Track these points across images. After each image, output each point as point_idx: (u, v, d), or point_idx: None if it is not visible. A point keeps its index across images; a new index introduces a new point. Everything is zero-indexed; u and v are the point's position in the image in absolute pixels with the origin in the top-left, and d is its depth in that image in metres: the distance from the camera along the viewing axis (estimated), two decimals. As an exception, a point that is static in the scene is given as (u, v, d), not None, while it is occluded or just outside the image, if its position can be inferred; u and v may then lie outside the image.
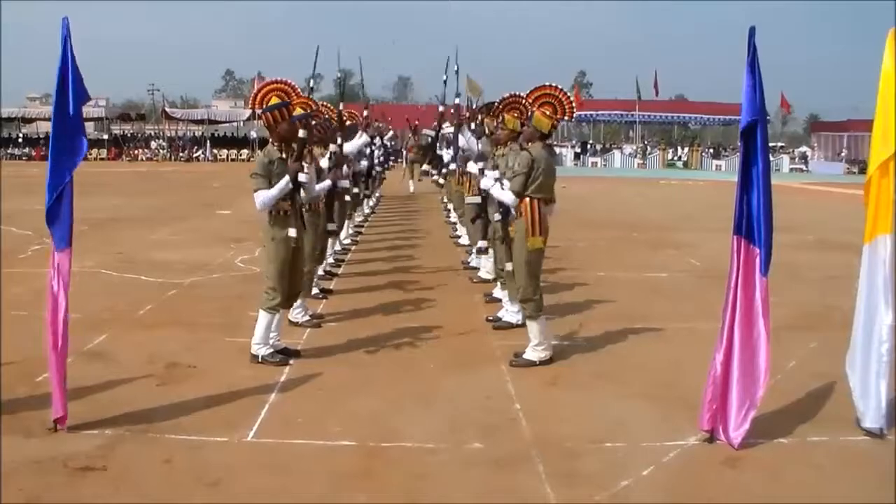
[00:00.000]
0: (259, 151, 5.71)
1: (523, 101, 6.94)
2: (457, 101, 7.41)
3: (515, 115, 6.92)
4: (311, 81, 6.51)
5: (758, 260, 4.21)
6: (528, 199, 5.73)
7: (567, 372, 5.66)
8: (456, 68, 7.50)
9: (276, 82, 5.91)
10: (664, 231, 14.21)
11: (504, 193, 5.82)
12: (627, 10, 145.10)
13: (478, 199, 6.89)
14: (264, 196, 5.52)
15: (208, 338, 6.37)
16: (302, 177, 5.62)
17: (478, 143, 7.71)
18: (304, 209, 6.70)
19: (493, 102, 7.03)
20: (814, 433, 4.54)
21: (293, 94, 5.87)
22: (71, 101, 4.14)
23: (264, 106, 5.75)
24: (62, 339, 4.22)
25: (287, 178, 5.54)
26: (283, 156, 5.62)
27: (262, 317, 5.66)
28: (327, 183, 6.86)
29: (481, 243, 6.93)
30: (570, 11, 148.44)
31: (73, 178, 4.22)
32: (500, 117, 6.97)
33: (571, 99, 6.06)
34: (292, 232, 5.58)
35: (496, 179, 6.03)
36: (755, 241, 4.22)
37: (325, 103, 10.02)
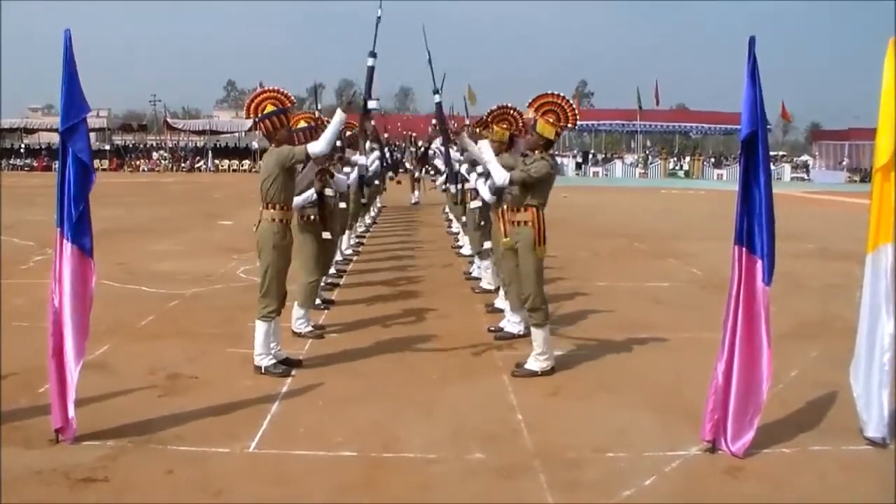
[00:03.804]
0: (270, 151, 5.71)
1: (512, 112, 6.98)
2: (436, 98, 7.06)
3: (504, 126, 6.95)
4: (315, 90, 6.53)
5: (759, 269, 4.21)
6: (534, 209, 5.72)
7: (569, 382, 5.65)
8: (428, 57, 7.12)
9: (270, 91, 5.92)
10: (665, 240, 14.21)
11: (497, 167, 5.79)
12: (628, 19, 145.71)
13: (479, 203, 6.88)
14: (319, 144, 5.53)
15: (210, 348, 6.37)
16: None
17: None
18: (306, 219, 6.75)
19: (482, 116, 7.05)
20: (816, 442, 4.53)
21: (286, 101, 5.89)
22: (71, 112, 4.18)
23: (260, 114, 5.77)
24: (63, 348, 4.22)
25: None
26: None
27: (260, 326, 5.67)
28: (310, 193, 6.70)
29: (487, 244, 6.88)
30: (571, 21, 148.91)
31: (69, 184, 4.24)
32: (490, 129, 6.99)
33: (574, 106, 6.07)
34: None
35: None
36: (756, 251, 4.22)
37: (326, 119, 10.04)
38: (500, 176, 5.72)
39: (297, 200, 6.44)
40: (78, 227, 4.25)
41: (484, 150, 5.96)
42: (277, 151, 5.64)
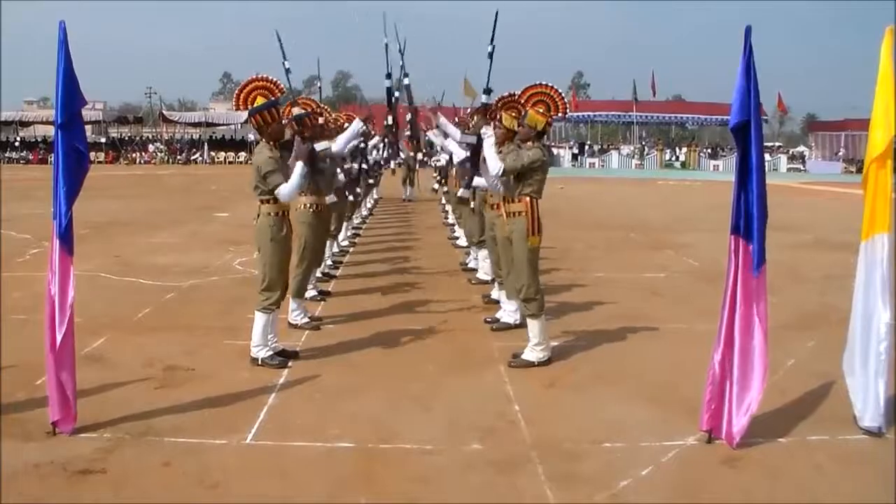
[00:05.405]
0: (259, 151, 5.61)
1: (520, 101, 6.93)
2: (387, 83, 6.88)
3: (513, 114, 6.91)
4: (286, 63, 6.30)
5: (749, 257, 4.20)
6: (528, 199, 5.73)
7: (566, 373, 5.66)
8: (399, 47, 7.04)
9: (259, 80, 5.83)
10: (662, 232, 14.22)
11: (494, 157, 5.72)
12: (625, 10, 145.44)
13: (467, 193, 6.80)
14: (288, 189, 5.49)
15: (207, 341, 6.36)
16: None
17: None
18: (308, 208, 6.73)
19: (488, 104, 6.98)
20: (813, 432, 4.54)
21: (276, 91, 5.82)
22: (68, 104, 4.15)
23: (249, 105, 5.69)
24: (60, 342, 4.21)
25: (300, 164, 5.57)
26: (280, 155, 5.61)
27: (259, 318, 5.67)
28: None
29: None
30: (567, 13, 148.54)
31: (64, 179, 4.21)
32: (498, 117, 6.96)
33: (564, 96, 6.06)
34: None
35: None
36: (751, 239, 4.22)
37: (324, 107, 9.99)
38: (495, 166, 5.70)
39: (291, 187, 6.33)
40: (67, 227, 4.21)
41: (485, 143, 5.89)
42: (261, 157, 5.53)
